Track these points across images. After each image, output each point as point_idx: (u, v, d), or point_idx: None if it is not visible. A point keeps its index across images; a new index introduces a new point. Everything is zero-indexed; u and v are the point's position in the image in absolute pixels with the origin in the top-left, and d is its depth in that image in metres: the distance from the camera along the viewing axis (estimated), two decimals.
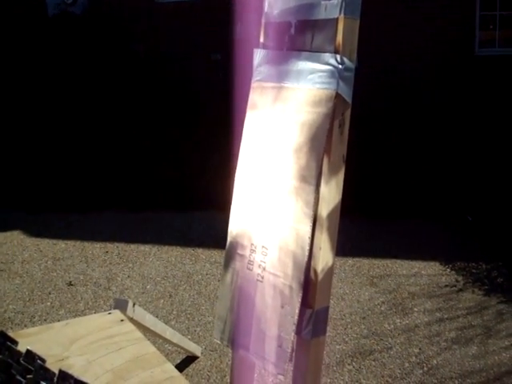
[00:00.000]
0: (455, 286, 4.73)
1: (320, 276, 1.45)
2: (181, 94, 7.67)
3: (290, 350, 1.45)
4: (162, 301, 4.41)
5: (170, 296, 4.49)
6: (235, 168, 1.67)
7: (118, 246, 5.43)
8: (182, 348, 3.53)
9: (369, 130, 6.65)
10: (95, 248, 5.39)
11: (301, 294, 1.45)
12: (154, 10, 8.29)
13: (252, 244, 1.57)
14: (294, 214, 1.47)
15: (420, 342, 3.92)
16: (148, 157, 6.98)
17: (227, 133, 5.76)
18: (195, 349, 3.66)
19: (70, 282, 4.68)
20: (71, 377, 1.77)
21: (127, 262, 5.11)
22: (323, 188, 1.44)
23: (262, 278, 1.53)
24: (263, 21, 1.58)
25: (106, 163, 6.88)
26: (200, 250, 5.37)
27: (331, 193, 1.45)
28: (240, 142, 1.67)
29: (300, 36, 1.50)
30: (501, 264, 5.11)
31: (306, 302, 1.47)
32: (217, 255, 5.20)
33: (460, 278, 4.84)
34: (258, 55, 1.59)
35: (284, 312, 1.47)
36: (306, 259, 1.44)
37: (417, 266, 5.10)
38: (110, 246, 5.45)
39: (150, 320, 2.90)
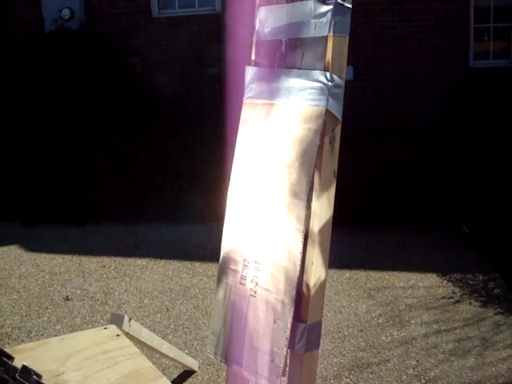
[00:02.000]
0: (452, 297, 4.73)
1: (312, 291, 1.46)
2: (177, 108, 7.71)
3: (282, 365, 1.46)
4: (160, 315, 4.40)
5: (167, 310, 4.48)
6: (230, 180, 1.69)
7: (115, 260, 5.43)
8: (179, 362, 3.53)
9: (364, 142, 6.69)
10: (92, 262, 5.39)
11: (293, 309, 1.45)
12: (151, 24, 8.35)
13: (245, 259, 1.58)
14: (285, 229, 1.49)
15: (417, 354, 3.92)
16: (143, 170, 6.99)
17: (223, 146, 5.78)
18: (192, 363, 3.65)
19: (67, 296, 4.67)
20: None
21: (124, 276, 5.10)
22: (314, 203, 1.45)
23: (255, 292, 1.54)
24: (254, 39, 1.60)
25: (102, 177, 6.89)
26: (197, 264, 5.37)
27: (322, 208, 1.46)
28: (233, 156, 1.69)
29: (291, 54, 1.52)
30: (498, 275, 5.12)
31: (298, 317, 1.48)
32: (214, 269, 5.19)
33: (457, 290, 4.85)
34: (250, 72, 1.62)
35: (276, 327, 1.47)
36: (297, 274, 1.45)
37: (413, 277, 5.11)
38: (106, 260, 5.44)
39: (146, 334, 2.90)
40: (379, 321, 4.37)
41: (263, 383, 1.50)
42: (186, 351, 3.87)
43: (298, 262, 1.45)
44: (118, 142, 7.03)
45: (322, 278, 1.49)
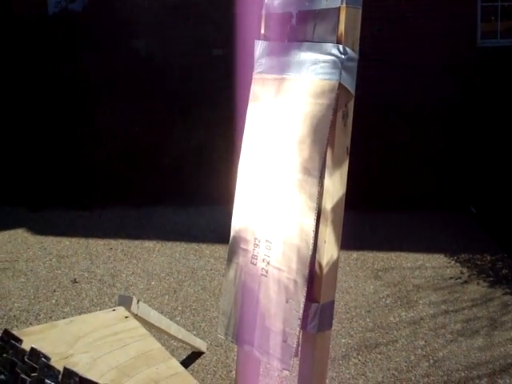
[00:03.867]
0: (460, 278, 4.71)
1: (325, 270, 1.44)
2: (182, 91, 7.64)
3: (295, 345, 1.43)
4: (167, 297, 4.40)
5: (175, 292, 4.48)
6: (237, 163, 1.65)
7: (122, 243, 5.42)
8: (187, 344, 3.53)
9: (372, 123, 6.62)
10: (99, 245, 5.38)
11: (305, 289, 1.43)
12: (155, 5, 8.25)
13: (256, 238, 1.55)
14: (297, 207, 1.46)
15: (425, 335, 3.91)
16: (149, 153, 6.95)
17: (229, 129, 5.74)
18: (201, 344, 3.65)
19: (75, 279, 4.68)
20: (76, 374, 1.77)
21: (131, 258, 5.10)
22: (327, 181, 1.42)
23: (267, 272, 1.52)
24: (264, 12, 1.56)
25: (107, 159, 6.86)
26: (204, 246, 5.36)
27: (335, 185, 1.43)
28: (242, 136, 1.66)
29: (301, 26, 1.48)
30: (505, 255, 5.09)
31: (311, 296, 1.46)
32: (221, 250, 5.19)
33: (465, 270, 4.83)
34: (260, 47, 1.57)
35: (289, 307, 1.45)
36: (310, 253, 1.42)
37: (421, 258, 5.08)
38: (113, 242, 5.44)
39: (154, 316, 2.89)
40: (387, 301, 4.35)
41: (275, 364, 1.48)
42: (194, 332, 3.87)
43: (311, 241, 1.42)
44: (123, 124, 6.98)
45: (335, 256, 1.46)
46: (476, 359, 3.64)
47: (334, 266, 1.46)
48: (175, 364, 2.11)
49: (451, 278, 4.71)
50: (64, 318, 3.50)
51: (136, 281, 4.66)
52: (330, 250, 1.44)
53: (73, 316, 3.94)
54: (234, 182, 1.68)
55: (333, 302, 1.49)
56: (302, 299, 1.42)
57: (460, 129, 6.86)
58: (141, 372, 2.03)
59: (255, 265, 1.54)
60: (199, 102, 7.26)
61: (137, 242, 5.43)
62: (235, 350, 3.70)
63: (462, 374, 3.50)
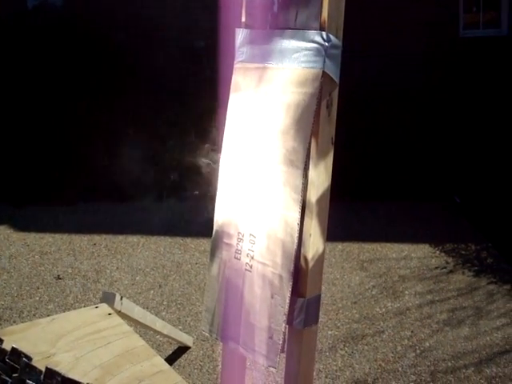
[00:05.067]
0: (445, 267, 4.73)
1: (311, 264, 1.40)
2: (165, 84, 7.56)
3: (281, 342, 1.40)
4: (152, 292, 4.36)
5: (160, 287, 4.44)
6: (219, 155, 1.61)
7: (106, 238, 5.36)
8: (173, 339, 3.49)
9: (356, 114, 6.60)
10: (83, 241, 5.31)
11: (291, 283, 1.39)
12: None
13: (239, 232, 1.51)
14: (281, 200, 1.42)
15: (412, 325, 3.92)
16: (131, 147, 6.88)
17: (213, 120, 5.69)
18: (187, 339, 3.62)
19: (59, 275, 4.61)
20: (58, 374, 1.73)
21: (115, 253, 5.04)
22: (312, 172, 1.38)
23: (251, 267, 1.48)
24: None
25: (91, 155, 6.77)
26: (189, 240, 5.32)
27: (320, 177, 1.39)
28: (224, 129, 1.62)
29: (283, 13, 1.43)
30: (490, 245, 5.11)
31: (296, 291, 1.42)
32: (206, 244, 5.15)
33: (450, 260, 4.84)
34: (241, 35, 1.53)
35: (274, 302, 1.41)
36: (295, 247, 1.39)
37: (406, 248, 5.09)
38: (97, 238, 5.37)
39: (139, 312, 2.85)
40: (373, 292, 4.36)
41: (261, 361, 1.45)
42: (180, 327, 3.84)
43: (296, 234, 1.38)
44: (105, 119, 6.90)
45: (320, 250, 1.43)
46: (462, 349, 3.65)
47: (320, 259, 1.43)
48: (160, 361, 2.07)
49: (436, 267, 4.73)
50: (48, 315, 3.44)
51: (120, 276, 4.61)
52: (315, 244, 1.41)
53: (57, 313, 3.88)
54: (219, 170, 1.64)
55: (319, 297, 1.46)
56: (288, 294, 1.39)
57: (444, 119, 6.88)
58: (125, 370, 1.99)
59: (239, 260, 1.51)
60: (182, 94, 7.18)
61: (121, 237, 5.37)
62: (221, 344, 3.68)
63: (449, 363, 3.51)
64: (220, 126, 1.64)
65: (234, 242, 1.53)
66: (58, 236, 5.42)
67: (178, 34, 7.65)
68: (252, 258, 1.47)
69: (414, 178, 6.36)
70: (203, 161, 5.91)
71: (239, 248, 1.51)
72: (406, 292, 4.35)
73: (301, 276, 1.42)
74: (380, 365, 3.53)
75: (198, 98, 6.76)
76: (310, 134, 1.38)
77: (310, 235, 1.40)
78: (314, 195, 1.39)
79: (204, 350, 3.65)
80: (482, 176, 6.28)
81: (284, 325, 1.39)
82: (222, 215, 1.58)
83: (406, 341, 3.75)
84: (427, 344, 3.71)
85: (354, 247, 5.14)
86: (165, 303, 4.20)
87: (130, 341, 2.17)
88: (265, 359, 1.44)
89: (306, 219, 1.41)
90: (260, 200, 1.47)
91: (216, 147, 5.93)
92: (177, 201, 6.24)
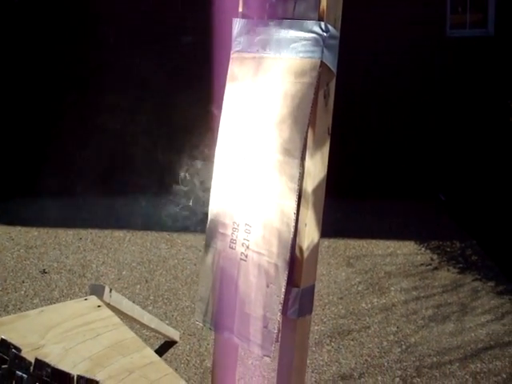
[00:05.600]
0: (430, 264, 4.76)
1: (306, 253, 1.41)
2: (154, 81, 7.51)
3: (276, 331, 1.41)
4: (139, 286, 4.34)
5: (147, 281, 4.42)
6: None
7: (92, 233, 5.32)
8: (160, 333, 3.48)
9: (341, 112, 6.62)
10: (68, 235, 5.27)
11: (287, 273, 1.40)
12: None
13: (234, 222, 1.51)
14: (278, 189, 1.42)
15: (397, 321, 3.94)
16: (117, 142, 6.83)
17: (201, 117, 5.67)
18: (173, 333, 3.61)
19: (44, 269, 4.57)
20: (48, 365, 1.72)
21: (101, 248, 5.01)
22: (308, 162, 1.39)
23: (246, 256, 1.48)
24: None
25: (77, 148, 6.72)
26: (175, 235, 5.30)
27: (316, 167, 1.40)
28: (218, 121, 1.61)
29: (281, 3, 1.43)
30: (474, 242, 5.16)
31: (291, 281, 1.43)
32: (192, 239, 5.14)
33: (435, 257, 4.88)
34: (238, 25, 1.52)
35: (269, 291, 1.42)
36: (291, 236, 1.39)
37: (392, 245, 5.12)
38: (83, 232, 5.33)
39: (127, 305, 2.84)
40: (359, 288, 4.38)
41: (256, 350, 1.45)
42: (167, 322, 3.83)
43: (292, 224, 1.39)
44: (91, 114, 6.84)
45: (316, 240, 1.44)
46: (447, 344, 3.68)
47: (315, 249, 1.44)
48: (150, 353, 2.07)
49: (422, 264, 4.76)
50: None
51: (107, 271, 4.58)
52: (310, 234, 1.41)
53: (43, 307, 3.85)
54: (214, 160, 1.62)
55: (313, 287, 1.47)
56: (284, 283, 1.39)
57: (429, 118, 6.92)
58: (115, 362, 1.98)
59: (234, 249, 1.51)
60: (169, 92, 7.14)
61: (107, 232, 5.34)
62: (208, 339, 3.68)
63: (434, 359, 3.54)
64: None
65: (228, 231, 1.53)
66: (43, 230, 5.37)
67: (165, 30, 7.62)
68: (247, 247, 1.48)
69: (400, 175, 6.40)
70: (191, 157, 5.90)
71: (234, 238, 1.51)
72: (392, 288, 4.37)
73: (296, 266, 1.43)
74: (366, 360, 3.55)
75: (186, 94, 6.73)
76: (307, 123, 1.38)
77: (306, 225, 1.41)
78: (310, 185, 1.40)
79: (191, 345, 3.65)
80: (467, 174, 6.34)
81: (279, 314, 1.40)
82: (216, 205, 1.58)
83: (392, 336, 3.78)
84: (413, 339, 3.74)
85: (340, 243, 5.16)
86: (151, 298, 4.18)
87: (119, 333, 2.16)
88: (260, 349, 1.44)
89: (302, 209, 1.41)
90: (256, 189, 1.47)
91: (204, 145, 5.93)
92: (163, 196, 6.20)
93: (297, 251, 1.42)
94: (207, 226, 1.59)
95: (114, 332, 2.16)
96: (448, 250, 5.04)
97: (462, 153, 6.59)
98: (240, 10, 1.53)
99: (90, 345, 2.06)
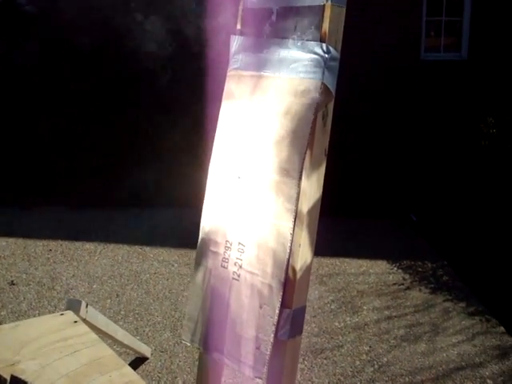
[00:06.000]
0: (402, 284, 4.80)
1: (299, 274, 1.40)
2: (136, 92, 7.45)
3: (268, 353, 1.38)
4: (109, 301, 4.26)
5: (118, 296, 4.34)
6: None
7: (62, 244, 5.21)
8: (132, 349, 3.41)
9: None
10: (38, 246, 5.15)
11: (281, 294, 1.38)
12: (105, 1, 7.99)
13: (227, 241, 1.49)
14: (274, 209, 1.41)
15: (370, 340, 3.95)
16: (91, 152, 6.75)
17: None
18: (145, 350, 3.54)
19: (12, 281, 4.45)
20: (24, 383, 1.66)
21: (72, 260, 4.91)
22: (304, 182, 1.38)
23: (239, 276, 1.46)
24: (240, 7, 1.50)
25: (48, 159, 6.61)
26: (147, 249, 5.22)
27: (312, 188, 1.39)
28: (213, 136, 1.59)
29: (282, 23, 1.43)
30: (445, 263, 5.23)
31: (283, 302, 1.41)
32: (165, 254, 5.08)
33: (407, 277, 4.92)
34: (236, 42, 1.51)
35: (262, 312, 1.40)
36: (287, 257, 1.38)
37: (365, 264, 5.15)
38: (53, 243, 5.22)
39: (102, 321, 2.77)
40: (332, 307, 4.38)
41: (247, 372, 1.42)
42: (138, 337, 3.75)
43: (289, 244, 1.37)
44: (64, 122, 6.75)
45: (309, 261, 1.43)
46: (419, 364, 3.70)
47: (308, 270, 1.43)
48: (129, 371, 2.01)
49: (394, 284, 4.79)
50: (1, 323, 3.31)
51: (77, 284, 4.48)
52: (304, 254, 1.40)
53: (10, 320, 3.74)
54: (208, 177, 1.60)
55: (304, 308, 1.45)
56: (278, 304, 1.37)
57: (403, 139, 7.03)
58: (93, 380, 1.92)
59: (226, 268, 1.48)
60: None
61: (77, 244, 5.24)
62: (180, 355, 3.62)
63: (406, 378, 3.55)
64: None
65: (221, 250, 1.51)
66: (11, 240, 5.24)
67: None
68: (240, 266, 1.45)
69: (373, 196, 6.47)
70: (173, 171, 5.85)
71: (226, 256, 1.49)
72: (365, 307, 4.38)
73: (288, 287, 1.41)
74: (339, 379, 3.53)
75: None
76: (306, 143, 1.38)
77: (300, 246, 1.40)
78: (305, 206, 1.39)
79: (162, 362, 3.58)
80: (440, 195, 6.44)
81: (272, 335, 1.38)
82: (208, 223, 1.55)
83: (365, 355, 3.78)
84: (385, 359, 3.75)
85: (313, 261, 5.15)
86: (122, 313, 4.10)
87: (97, 350, 2.10)
88: (251, 370, 1.42)
89: (297, 229, 1.40)
90: (250, 209, 1.46)
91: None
92: (137, 209, 6.14)
93: (290, 272, 1.40)
94: (198, 243, 1.57)
95: (91, 349, 2.10)
96: (420, 269, 5.08)
97: (435, 174, 6.71)
98: (238, 27, 1.52)
99: (68, 361, 2.00)
